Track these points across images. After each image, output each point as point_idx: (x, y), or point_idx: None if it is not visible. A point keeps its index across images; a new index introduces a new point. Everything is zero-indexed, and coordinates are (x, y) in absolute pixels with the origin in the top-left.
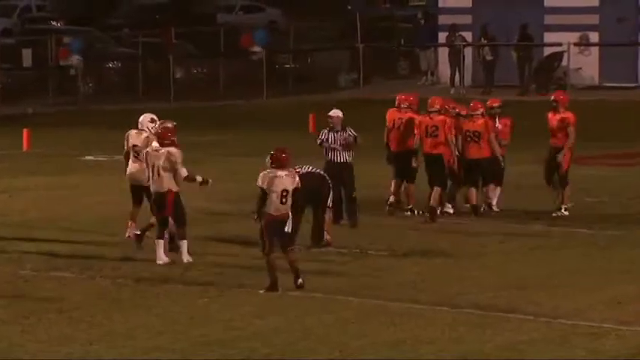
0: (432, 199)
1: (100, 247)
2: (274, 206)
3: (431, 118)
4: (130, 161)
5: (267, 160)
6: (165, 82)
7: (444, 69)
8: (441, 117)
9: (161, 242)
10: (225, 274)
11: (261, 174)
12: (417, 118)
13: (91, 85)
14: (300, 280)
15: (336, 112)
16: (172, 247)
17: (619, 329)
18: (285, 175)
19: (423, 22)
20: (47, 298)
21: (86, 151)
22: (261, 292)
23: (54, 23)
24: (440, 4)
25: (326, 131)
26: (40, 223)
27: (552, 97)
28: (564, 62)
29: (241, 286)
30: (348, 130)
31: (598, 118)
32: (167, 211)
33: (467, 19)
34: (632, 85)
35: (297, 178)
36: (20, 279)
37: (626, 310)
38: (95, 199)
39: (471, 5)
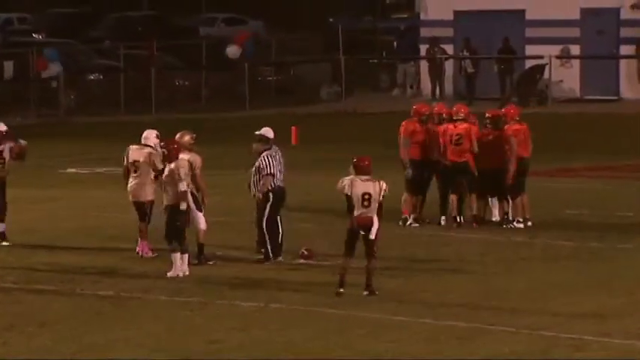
0: (475, 207)
1: (82, 260)
2: (356, 210)
3: (455, 127)
4: (130, 177)
5: (351, 167)
6: (147, 94)
7: (426, 81)
8: (466, 125)
9: (183, 255)
10: (208, 287)
11: (343, 181)
12: (442, 127)
13: (72, 97)
14: (366, 292)
15: (268, 131)
16: (200, 260)
17: (600, 341)
18: (366, 179)
19: (395, 42)
20: (28, 311)
21: (68, 163)
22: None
23: (36, 36)
24: (422, 17)
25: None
26: (21, 236)
27: (502, 112)
28: (546, 75)
29: (224, 299)
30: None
31: (579, 130)
32: (185, 224)
33: (448, 32)
34: (613, 97)
35: (384, 185)
36: (1, 292)
37: (607, 323)
38: (77, 211)
39: (452, 18)
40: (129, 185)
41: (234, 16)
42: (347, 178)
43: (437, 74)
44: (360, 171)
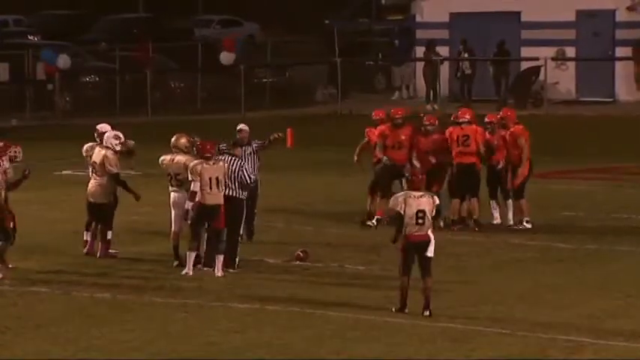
0: (475, 211)
1: (77, 262)
2: (410, 228)
3: (462, 129)
4: (92, 179)
5: (404, 182)
6: (143, 97)
7: (421, 83)
8: (473, 126)
9: (193, 254)
10: (204, 289)
11: (392, 198)
12: (447, 130)
13: (68, 99)
14: (427, 312)
15: (244, 126)
16: (205, 263)
17: (596, 343)
18: (421, 196)
19: (397, 41)
20: (24, 314)
21: (64, 165)
22: (393, 310)
23: (31, 38)
24: (417, 19)
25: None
26: (17, 238)
27: (500, 115)
28: (541, 77)
29: (219, 301)
30: (252, 143)
31: (575, 132)
32: (221, 224)
33: (444, 34)
34: (609, 99)
35: (437, 200)
36: None
37: (603, 325)
38: (72, 214)
39: (448, 20)
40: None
41: (229, 17)
42: (400, 194)
43: (433, 76)
44: (413, 186)
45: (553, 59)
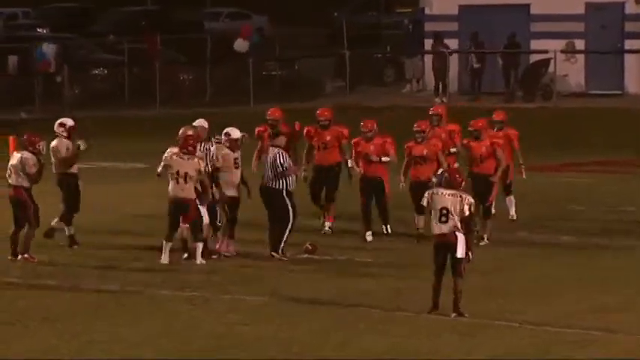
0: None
1: (84, 255)
2: (434, 225)
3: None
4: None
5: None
6: (151, 89)
7: (431, 76)
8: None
9: (200, 245)
10: (211, 282)
11: (426, 193)
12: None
13: (77, 91)
14: (453, 314)
15: (201, 122)
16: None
17: (604, 336)
18: (450, 194)
19: (410, 29)
20: (32, 307)
21: None
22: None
23: (40, 30)
24: (426, 12)
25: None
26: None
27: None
28: (550, 69)
29: (227, 293)
30: (212, 139)
31: (584, 125)
32: (191, 217)
33: (453, 27)
34: (618, 92)
35: (471, 200)
36: (6, 287)
37: (610, 318)
38: (80, 207)
39: (457, 13)
40: None
41: (238, 10)
42: (430, 190)
43: (441, 70)
44: (447, 184)
45: (562, 52)
